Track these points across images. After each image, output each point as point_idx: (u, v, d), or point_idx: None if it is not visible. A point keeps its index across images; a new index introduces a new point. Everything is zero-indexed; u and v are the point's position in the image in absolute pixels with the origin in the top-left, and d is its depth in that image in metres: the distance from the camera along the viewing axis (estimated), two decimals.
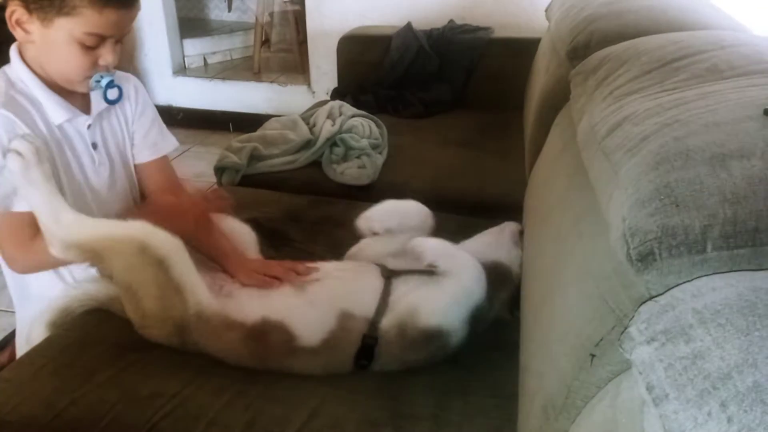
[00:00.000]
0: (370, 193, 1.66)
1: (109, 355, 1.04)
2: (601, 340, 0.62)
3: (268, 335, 1.01)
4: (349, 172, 1.77)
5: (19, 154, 1.00)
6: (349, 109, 2.04)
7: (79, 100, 1.18)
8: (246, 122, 2.96)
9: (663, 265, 0.54)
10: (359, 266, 1.14)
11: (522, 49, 2.24)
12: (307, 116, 2.04)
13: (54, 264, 1.15)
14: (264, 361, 1.02)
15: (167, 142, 1.35)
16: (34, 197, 1.02)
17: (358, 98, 2.30)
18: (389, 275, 1.08)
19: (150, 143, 1.31)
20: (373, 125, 1.97)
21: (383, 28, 2.52)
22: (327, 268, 1.14)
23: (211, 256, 1.17)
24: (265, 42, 3.72)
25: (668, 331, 0.46)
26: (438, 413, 0.95)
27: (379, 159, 1.83)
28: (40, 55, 1.10)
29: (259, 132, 1.94)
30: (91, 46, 1.07)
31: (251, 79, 3.44)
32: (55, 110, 1.14)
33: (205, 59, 3.70)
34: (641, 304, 0.54)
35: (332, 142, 1.86)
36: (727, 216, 0.53)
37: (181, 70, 3.52)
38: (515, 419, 0.88)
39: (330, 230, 1.44)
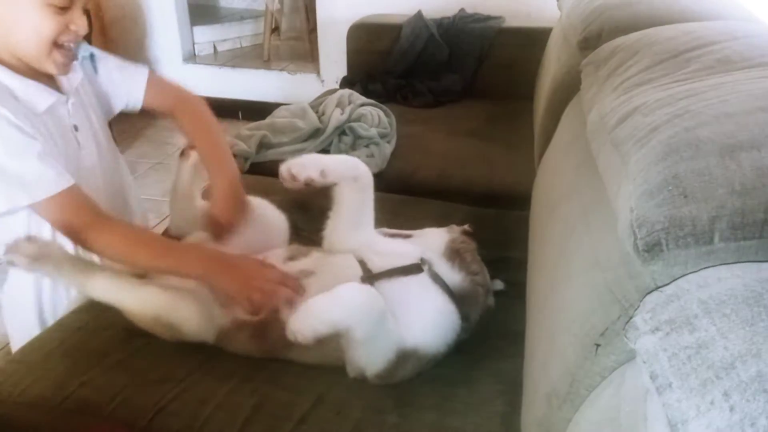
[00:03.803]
0: (378, 183, 1.66)
1: (119, 339, 1.05)
2: (606, 329, 0.62)
3: (268, 330, 1.00)
4: None
5: (15, 264, 1.00)
6: (358, 97, 2.03)
7: (48, 83, 1.08)
8: (255, 110, 2.96)
9: (670, 255, 0.54)
10: (339, 263, 1.06)
11: (533, 39, 2.23)
12: (316, 105, 2.04)
13: (125, 247, 1.04)
14: (270, 353, 1.02)
15: (139, 70, 1.25)
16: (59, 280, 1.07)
17: (368, 87, 2.30)
18: (370, 281, 0.99)
19: (128, 85, 1.24)
20: (382, 114, 1.97)
21: (393, 17, 2.51)
22: (310, 264, 1.08)
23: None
24: (275, 30, 3.71)
25: (673, 321, 0.46)
26: (443, 402, 0.95)
27: (388, 148, 1.83)
28: (5, 33, 1.00)
29: (268, 120, 1.94)
30: (63, 6, 0.99)
31: (261, 67, 3.44)
32: (37, 96, 1.05)
33: (214, 47, 3.71)
34: (647, 294, 0.54)
35: (341, 130, 1.86)
36: (735, 207, 0.53)
37: (191, 57, 3.53)
38: (520, 408, 0.89)
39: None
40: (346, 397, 0.95)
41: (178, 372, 0.98)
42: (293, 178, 0.97)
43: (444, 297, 1.01)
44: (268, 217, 1.23)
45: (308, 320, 0.90)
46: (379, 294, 0.92)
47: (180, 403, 0.93)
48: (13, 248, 1.01)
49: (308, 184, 0.98)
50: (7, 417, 0.94)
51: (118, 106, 1.26)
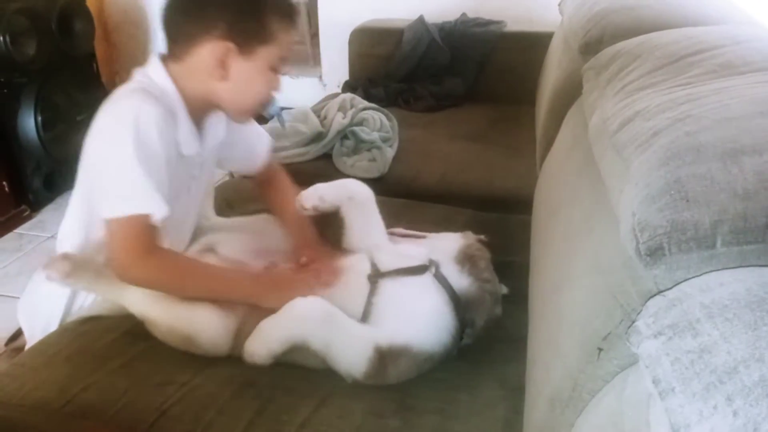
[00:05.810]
0: (380, 187, 1.66)
1: (121, 343, 1.05)
2: (609, 334, 0.62)
3: None
4: (360, 165, 1.77)
5: (53, 278, 1.05)
6: (360, 101, 2.04)
7: (199, 133, 1.13)
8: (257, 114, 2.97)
9: (672, 260, 0.54)
10: (350, 263, 1.12)
11: (534, 44, 2.23)
12: (318, 109, 2.04)
13: (170, 280, 1.05)
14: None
15: (263, 141, 1.32)
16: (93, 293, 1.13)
17: (370, 91, 2.31)
18: (376, 278, 1.05)
19: (250, 154, 1.30)
20: (384, 118, 1.97)
21: (395, 21, 2.51)
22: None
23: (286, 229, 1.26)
24: None
25: (675, 326, 0.46)
26: (445, 406, 0.95)
27: (390, 152, 1.83)
28: (230, 93, 1.06)
29: (270, 124, 1.95)
30: (277, 69, 1.08)
31: None
32: (189, 141, 1.08)
33: None
34: (649, 299, 0.54)
35: (343, 134, 1.87)
36: (737, 212, 0.53)
37: None
38: (522, 412, 0.89)
39: (340, 223, 1.44)
40: (347, 401, 0.95)
41: (180, 376, 0.98)
42: (303, 208, 1.13)
43: (444, 297, 1.03)
44: (268, 224, 1.28)
45: (261, 341, 0.99)
46: (329, 300, 0.99)
47: (182, 407, 0.93)
48: (49, 265, 1.05)
49: (316, 210, 1.13)
50: (10, 420, 0.94)
51: (233, 167, 1.33)
